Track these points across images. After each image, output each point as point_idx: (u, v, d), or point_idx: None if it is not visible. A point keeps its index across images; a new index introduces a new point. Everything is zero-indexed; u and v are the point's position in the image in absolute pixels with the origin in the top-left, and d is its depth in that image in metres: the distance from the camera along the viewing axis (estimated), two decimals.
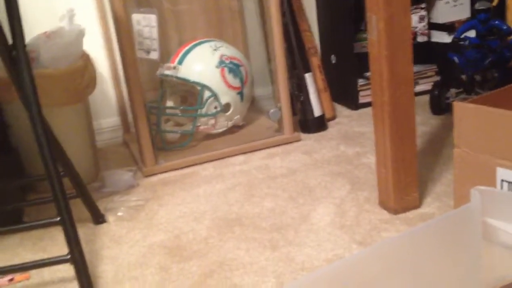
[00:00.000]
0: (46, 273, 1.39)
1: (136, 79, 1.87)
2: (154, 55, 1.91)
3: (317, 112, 2.18)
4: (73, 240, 1.19)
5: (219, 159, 2.02)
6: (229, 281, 1.28)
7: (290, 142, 2.09)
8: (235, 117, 2.15)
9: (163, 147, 2.07)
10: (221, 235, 1.49)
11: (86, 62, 1.86)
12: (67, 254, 1.20)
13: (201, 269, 1.34)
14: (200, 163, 2.00)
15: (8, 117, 1.83)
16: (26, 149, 1.84)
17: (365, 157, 1.89)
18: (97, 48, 2.24)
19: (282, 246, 1.39)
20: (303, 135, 2.15)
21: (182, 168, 1.99)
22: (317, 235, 1.42)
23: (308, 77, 2.18)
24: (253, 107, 2.39)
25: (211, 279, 1.29)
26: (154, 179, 1.94)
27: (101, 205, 1.71)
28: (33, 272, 1.39)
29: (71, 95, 1.80)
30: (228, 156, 2.03)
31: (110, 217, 1.67)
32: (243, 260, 1.35)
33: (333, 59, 2.43)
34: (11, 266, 1.31)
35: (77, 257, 1.19)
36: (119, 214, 1.68)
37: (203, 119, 2.09)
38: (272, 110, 2.09)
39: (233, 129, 2.18)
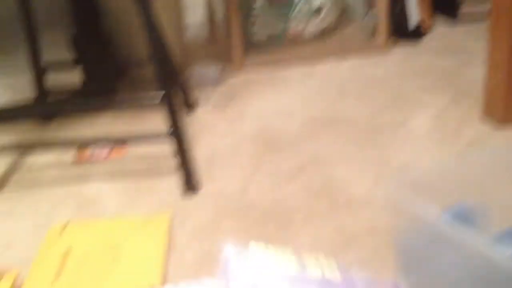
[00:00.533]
0: (142, 150, 1.41)
1: None
2: None
3: (414, 20, 2.06)
4: (174, 116, 1.19)
5: (307, 62, 1.96)
6: (323, 173, 1.26)
7: (384, 50, 2.00)
8: (326, 22, 2.06)
9: (252, 46, 2.02)
10: (314, 131, 1.46)
11: None
12: (169, 129, 1.20)
13: (295, 160, 1.32)
14: (288, 65, 1.95)
15: (100, 6, 1.81)
16: (118, 36, 1.84)
17: (466, 69, 1.78)
18: None
19: (379, 148, 1.35)
20: (397, 44, 2.04)
21: (269, 68, 1.95)
22: (414, 142, 1.37)
23: None
24: (345, 13, 2.28)
25: (305, 170, 1.28)
26: (241, 76, 1.91)
27: (193, 95, 1.70)
28: (130, 149, 1.42)
29: None
30: (317, 60, 1.97)
31: (201, 108, 1.67)
32: (338, 156, 1.33)
33: None
34: (110, 138, 1.34)
35: (178, 132, 1.19)
36: (210, 105, 1.67)
37: (293, 22, 2.02)
38: (367, 15, 1.98)
39: (322, 34, 2.10)
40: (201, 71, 1.94)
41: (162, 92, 1.19)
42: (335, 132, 1.45)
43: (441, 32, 2.16)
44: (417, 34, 2.07)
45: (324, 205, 1.15)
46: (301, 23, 2.02)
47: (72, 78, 1.62)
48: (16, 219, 1.19)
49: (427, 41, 2.07)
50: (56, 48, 1.68)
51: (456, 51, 1.95)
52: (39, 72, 1.50)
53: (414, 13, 2.06)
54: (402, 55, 1.95)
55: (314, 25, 2.04)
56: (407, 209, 0.70)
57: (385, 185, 0.73)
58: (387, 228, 1.06)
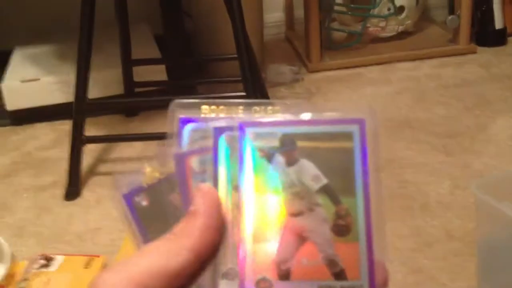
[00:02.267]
0: None
1: None
2: None
3: (498, 24, 2.00)
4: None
5: (386, 63, 1.95)
6: (400, 176, 1.26)
7: (465, 54, 1.95)
8: (407, 22, 2.04)
9: (329, 45, 2.03)
10: (390, 134, 1.46)
11: None
12: None
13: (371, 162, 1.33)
14: (366, 65, 1.95)
15: (185, 6, 1.88)
16: (200, 34, 1.90)
17: None
18: None
19: (458, 153, 1.34)
20: (479, 48, 1.99)
21: (347, 68, 1.95)
22: (496, 146, 1.35)
23: None
24: (424, 15, 2.25)
25: (382, 172, 1.28)
26: (318, 75, 1.93)
27: (269, 94, 1.74)
28: None
29: None
30: (396, 61, 1.95)
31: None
32: (415, 160, 1.32)
33: None
34: None
35: None
36: (287, 103, 1.70)
37: (373, 21, 2.01)
38: (450, 17, 1.95)
39: (402, 34, 2.08)
40: (278, 70, 1.97)
41: (248, 88, 1.23)
42: (414, 134, 1.45)
43: None
44: (500, 38, 2.01)
45: (400, 207, 1.15)
46: (382, 22, 2.01)
47: (159, 74, 1.69)
48: (104, 207, 1.26)
49: (510, 45, 2.00)
50: (143, 44, 1.76)
51: None
52: (129, 67, 1.58)
53: (498, 17, 2.00)
54: (484, 59, 1.90)
55: (395, 24, 2.02)
56: (493, 211, 0.70)
57: (473, 187, 0.73)
58: (465, 232, 1.05)
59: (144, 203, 0.30)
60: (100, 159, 1.46)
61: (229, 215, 0.29)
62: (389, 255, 0.30)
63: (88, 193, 1.31)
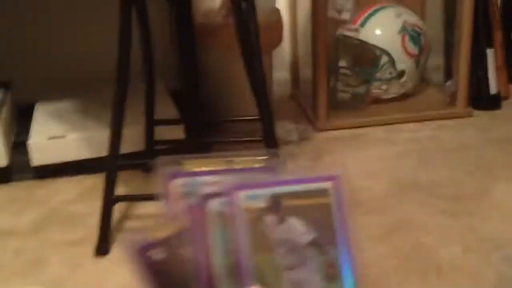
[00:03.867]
0: None
1: (323, 38, 1.95)
2: (346, 16, 1.97)
3: (493, 89, 2.15)
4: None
5: (388, 124, 2.07)
6: (414, 239, 1.35)
7: (462, 117, 2.08)
8: (408, 85, 2.17)
9: (335, 105, 2.15)
10: (399, 195, 1.56)
11: (278, 18, 1.97)
12: None
13: (383, 225, 1.42)
14: (370, 126, 2.06)
15: (201, 64, 1.99)
16: (214, 93, 2.01)
17: None
18: (279, 2, 2.35)
19: (464, 216, 1.43)
20: (474, 112, 2.13)
21: (352, 128, 2.06)
22: (501, 211, 1.45)
23: (489, 52, 2.14)
24: (424, 78, 2.38)
25: (395, 234, 1.37)
26: (325, 135, 2.03)
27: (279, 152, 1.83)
28: None
29: (264, 47, 1.92)
30: (398, 123, 2.07)
31: (289, 164, 1.80)
32: (424, 221, 1.41)
33: None
34: None
35: None
36: (294, 163, 1.80)
37: (376, 83, 2.14)
38: (449, 82, 2.09)
39: (402, 96, 2.21)
40: (286, 127, 2.08)
41: (275, 150, 1.32)
42: (420, 196, 1.54)
43: None
44: (495, 102, 2.15)
45: (415, 269, 1.24)
46: (383, 85, 2.14)
47: (177, 132, 1.78)
48: None
49: (505, 110, 2.14)
50: (160, 101, 1.86)
51: None
52: (151, 126, 1.67)
53: (493, 83, 2.14)
54: (481, 123, 2.03)
55: (396, 88, 2.15)
56: None
57: (497, 258, 0.81)
58: None
59: (158, 257, 0.35)
60: (125, 216, 1.52)
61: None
62: None
63: (117, 250, 1.37)
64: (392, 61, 2.09)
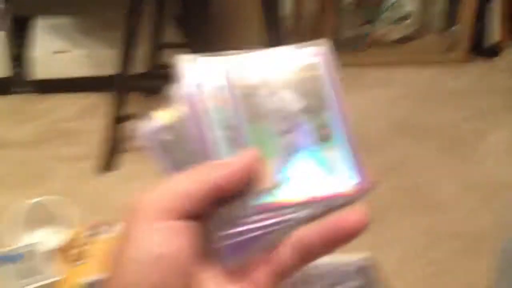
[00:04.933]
0: None
1: None
2: None
3: (493, 39, 2.16)
4: None
5: (388, 65, 2.08)
6: (410, 178, 1.39)
7: (461, 63, 2.10)
8: (410, 29, 2.17)
9: (336, 42, 2.14)
10: (396, 137, 1.59)
11: None
12: None
13: (382, 163, 1.46)
14: (370, 66, 2.07)
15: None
16: (224, 22, 1.98)
17: None
18: None
19: (461, 158, 1.48)
20: (473, 59, 2.14)
21: (352, 66, 2.06)
22: (495, 157, 1.50)
23: (495, 1, 2.13)
24: (427, 23, 2.38)
25: (393, 172, 1.41)
26: None
27: None
28: None
29: None
30: (398, 65, 2.08)
31: None
32: (423, 161, 1.46)
33: None
34: None
35: None
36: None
37: (380, 24, 2.13)
38: (452, 28, 2.09)
39: (403, 39, 2.20)
40: None
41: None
42: (418, 138, 1.58)
43: None
44: (493, 52, 2.16)
45: (414, 204, 1.29)
46: (388, 26, 2.13)
47: None
48: (140, 181, 1.35)
49: (503, 60, 2.16)
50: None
51: None
52: (157, 48, 1.65)
53: (496, 31, 2.15)
54: (479, 71, 2.05)
55: (398, 31, 2.15)
56: None
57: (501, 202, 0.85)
58: (473, 232, 1.20)
59: (168, 137, 0.36)
60: (129, 136, 1.53)
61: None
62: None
63: (123, 167, 1.39)
64: (399, 2, 2.08)
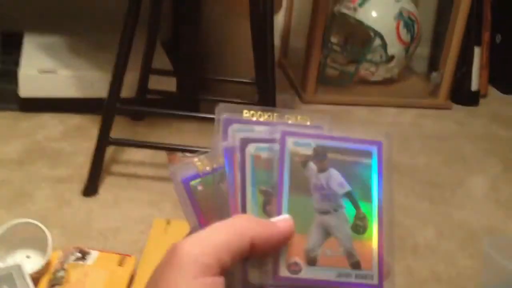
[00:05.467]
0: None
1: (324, 11, 1.97)
2: None
3: (474, 86, 2.22)
4: None
5: (373, 105, 2.12)
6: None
7: (442, 109, 2.16)
8: (394, 71, 2.22)
9: (322, 80, 2.17)
10: None
11: None
12: None
13: None
14: (354, 105, 2.11)
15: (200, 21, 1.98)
16: (209, 51, 2.00)
17: None
18: None
19: (439, 203, 1.51)
20: (454, 105, 2.20)
21: (337, 104, 2.10)
22: (473, 202, 1.53)
23: (476, 50, 2.20)
24: (410, 66, 2.44)
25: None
26: (310, 107, 2.07)
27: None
28: None
29: None
30: (381, 105, 2.13)
31: None
32: (403, 204, 1.48)
33: (498, 38, 2.43)
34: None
35: None
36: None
37: (365, 65, 2.18)
38: (434, 73, 2.15)
39: (387, 81, 2.26)
40: None
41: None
42: (398, 178, 1.61)
43: (496, 100, 2.32)
44: (474, 99, 2.23)
45: None
46: (372, 67, 2.18)
47: (169, 84, 1.78)
48: (122, 208, 1.34)
49: (483, 107, 2.23)
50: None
51: (509, 120, 2.11)
52: (146, 74, 1.66)
53: (475, 80, 2.22)
54: (459, 117, 2.11)
55: (383, 72, 2.20)
56: (500, 268, 0.85)
57: (485, 244, 0.87)
58: (450, 277, 1.21)
59: (200, 188, 0.35)
60: (113, 160, 1.52)
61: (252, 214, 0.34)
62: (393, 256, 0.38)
63: (104, 192, 1.38)
64: (384, 45, 2.13)
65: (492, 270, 0.90)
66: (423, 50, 2.48)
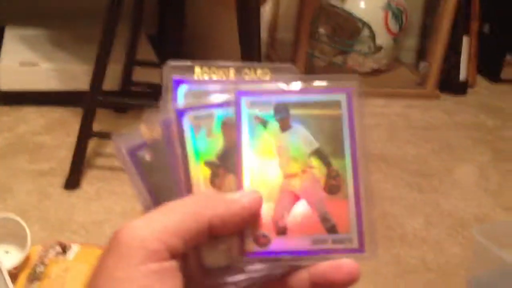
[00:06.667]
0: None
1: (312, 2, 1.95)
2: None
3: (462, 76, 2.21)
4: None
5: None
6: (380, 207, 1.39)
7: (430, 98, 2.14)
8: (382, 61, 2.20)
9: (309, 72, 2.15)
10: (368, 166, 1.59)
11: None
12: None
13: None
14: None
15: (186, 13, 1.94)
16: (194, 43, 1.97)
17: (505, 131, 1.93)
18: None
19: (428, 191, 1.49)
20: (442, 95, 2.19)
21: None
22: (462, 190, 1.51)
23: (465, 40, 2.19)
24: (398, 57, 2.42)
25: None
26: None
27: None
28: None
29: None
30: (369, 96, 2.10)
31: None
32: (391, 194, 1.46)
33: (486, 28, 2.42)
34: None
35: None
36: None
37: (352, 56, 2.16)
38: (423, 64, 2.13)
39: (375, 72, 2.24)
40: None
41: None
42: (387, 169, 1.59)
43: (484, 90, 2.31)
44: (462, 89, 2.22)
45: (380, 236, 1.28)
46: (360, 58, 2.16)
47: (154, 76, 1.75)
48: (105, 201, 1.31)
49: (471, 97, 2.21)
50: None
51: (496, 110, 2.10)
52: (130, 66, 1.63)
53: (463, 70, 2.21)
54: (448, 106, 2.10)
55: (372, 62, 2.18)
56: (490, 255, 0.84)
57: (474, 231, 0.86)
58: (439, 265, 1.20)
59: (148, 158, 0.32)
60: (96, 153, 1.49)
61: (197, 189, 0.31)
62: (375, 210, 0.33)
63: (87, 185, 1.35)
64: (372, 36, 2.11)
65: (482, 257, 0.88)
66: (411, 41, 2.47)
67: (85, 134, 1.32)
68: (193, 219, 0.29)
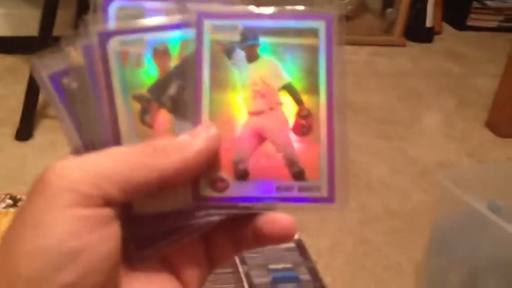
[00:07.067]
0: None
1: None
2: None
3: (428, 23, 2.18)
4: None
5: None
6: None
7: (397, 45, 2.11)
8: (348, 7, 2.15)
9: None
10: None
11: None
12: None
13: None
14: None
15: None
16: None
17: (471, 78, 1.91)
18: None
19: (394, 139, 1.47)
20: (408, 42, 2.16)
21: None
22: (427, 138, 1.50)
23: None
24: (365, 4, 2.37)
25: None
26: None
27: None
28: None
29: None
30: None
31: None
32: (357, 141, 1.44)
33: None
34: None
35: None
36: None
37: (317, 2, 2.09)
38: (389, 10, 2.09)
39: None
40: None
41: None
42: (353, 116, 1.56)
43: (450, 37, 2.29)
44: (429, 36, 2.19)
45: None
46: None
47: None
48: (59, 152, 1.25)
49: (437, 44, 2.19)
50: None
51: (462, 57, 2.09)
52: (83, 9, 1.53)
53: (430, 17, 2.17)
54: (414, 53, 2.07)
55: None
56: (455, 199, 0.82)
57: (441, 176, 0.84)
58: (404, 212, 1.19)
59: (74, 85, 0.28)
60: (48, 102, 1.42)
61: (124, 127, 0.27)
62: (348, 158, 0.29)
63: (39, 136, 1.28)
64: None
65: (447, 203, 0.86)
66: None
67: (36, 83, 1.24)
68: (139, 169, 0.24)
